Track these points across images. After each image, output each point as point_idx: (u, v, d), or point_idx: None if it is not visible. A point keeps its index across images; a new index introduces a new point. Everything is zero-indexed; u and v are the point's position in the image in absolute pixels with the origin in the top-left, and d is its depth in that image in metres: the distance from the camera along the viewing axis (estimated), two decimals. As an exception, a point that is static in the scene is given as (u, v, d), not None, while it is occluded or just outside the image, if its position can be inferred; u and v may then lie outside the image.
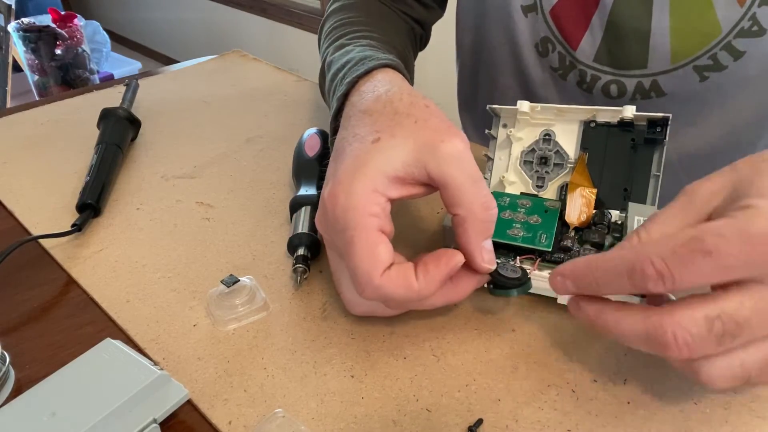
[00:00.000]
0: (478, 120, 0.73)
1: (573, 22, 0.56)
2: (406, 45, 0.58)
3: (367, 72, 0.40)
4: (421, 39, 0.65)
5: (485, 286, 0.36)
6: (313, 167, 0.48)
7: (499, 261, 0.34)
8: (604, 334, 0.31)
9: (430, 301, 0.34)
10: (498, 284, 0.35)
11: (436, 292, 0.33)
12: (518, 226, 0.39)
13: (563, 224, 0.40)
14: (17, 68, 1.59)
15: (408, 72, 0.51)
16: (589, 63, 0.56)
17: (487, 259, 0.33)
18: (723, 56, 0.51)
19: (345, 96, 0.40)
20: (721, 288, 0.27)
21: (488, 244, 0.34)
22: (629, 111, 0.40)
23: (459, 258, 0.33)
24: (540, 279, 0.37)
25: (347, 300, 0.36)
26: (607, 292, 0.29)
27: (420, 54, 0.66)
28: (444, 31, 0.77)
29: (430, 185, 0.33)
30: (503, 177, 0.44)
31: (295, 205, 0.44)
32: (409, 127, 0.33)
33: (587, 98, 0.58)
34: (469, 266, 0.34)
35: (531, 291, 0.37)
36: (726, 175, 0.31)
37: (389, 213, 0.34)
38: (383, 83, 0.38)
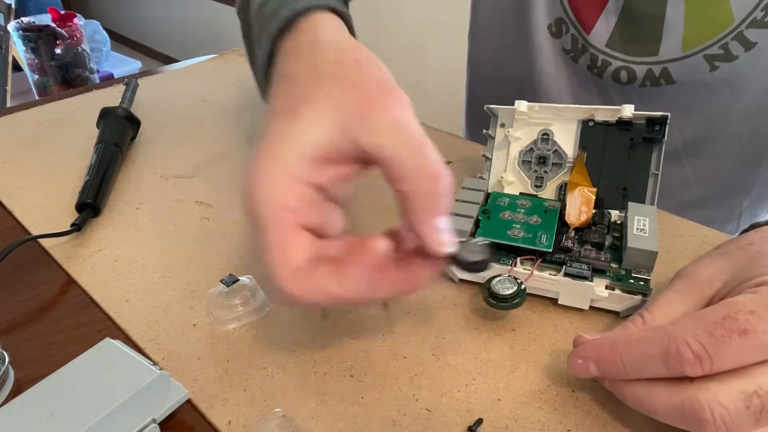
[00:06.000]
0: (489, 102, 0.72)
1: (588, 5, 0.56)
2: None
3: (299, 14, 0.33)
4: None
5: (483, 298, 0.36)
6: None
7: (463, 240, 0.29)
8: (632, 406, 0.29)
9: (378, 295, 0.29)
10: (462, 268, 0.29)
11: (371, 289, 0.28)
12: (518, 226, 0.39)
13: (563, 224, 0.40)
14: (17, 67, 1.59)
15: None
16: (601, 48, 0.56)
17: (438, 240, 0.27)
18: (734, 46, 0.51)
19: (273, 41, 0.34)
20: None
21: (441, 223, 0.27)
22: (628, 110, 0.40)
23: (378, 246, 0.28)
24: (540, 280, 0.37)
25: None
26: (635, 376, 0.28)
27: (427, 43, 0.64)
28: (456, 16, 0.75)
29: (364, 160, 0.28)
30: (502, 177, 0.44)
31: (295, 205, 0.44)
32: (331, 91, 0.28)
33: (597, 83, 0.58)
34: (423, 250, 0.28)
35: (531, 291, 0.37)
36: (720, 259, 0.32)
37: (317, 200, 0.28)
38: (310, 36, 0.32)
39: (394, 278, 0.28)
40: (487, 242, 0.29)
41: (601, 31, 0.56)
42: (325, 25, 0.33)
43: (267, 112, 0.30)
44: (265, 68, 0.34)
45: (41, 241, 0.45)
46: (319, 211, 0.28)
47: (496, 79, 0.70)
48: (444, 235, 0.28)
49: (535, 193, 0.44)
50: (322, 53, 0.30)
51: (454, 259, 0.28)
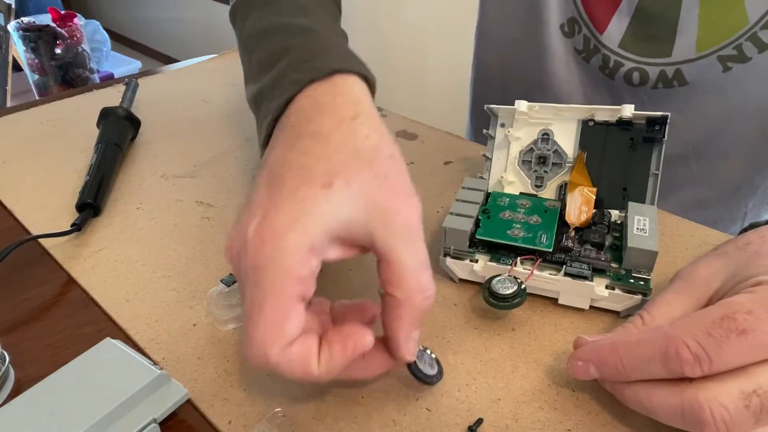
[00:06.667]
0: (494, 101, 0.71)
1: (602, 5, 0.55)
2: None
3: (336, 72, 0.34)
4: None
5: (483, 298, 0.36)
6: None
7: (420, 349, 0.32)
8: (632, 407, 0.29)
9: (340, 377, 0.30)
10: (416, 378, 0.32)
11: (340, 373, 0.29)
12: (518, 226, 0.39)
13: (563, 224, 0.40)
14: (17, 67, 1.60)
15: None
16: (613, 48, 0.56)
17: (411, 351, 0.30)
18: (748, 47, 0.51)
19: (302, 86, 0.33)
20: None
21: (415, 335, 0.30)
22: (628, 110, 0.40)
23: (368, 340, 0.28)
24: (540, 279, 0.37)
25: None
26: (635, 378, 0.29)
27: (429, 43, 0.64)
28: (460, 14, 0.75)
29: (366, 249, 0.29)
30: (502, 177, 0.44)
31: (295, 205, 0.44)
32: (366, 179, 0.29)
33: (608, 84, 0.58)
34: (385, 346, 0.30)
35: (531, 291, 0.37)
36: (718, 260, 0.33)
37: (316, 275, 0.28)
38: (350, 102, 0.32)
39: (360, 365, 0.30)
40: (434, 355, 0.33)
41: (614, 31, 0.56)
42: (365, 96, 0.33)
43: (291, 162, 0.29)
44: (283, 104, 0.34)
45: (41, 241, 0.45)
46: (314, 283, 0.29)
47: (503, 80, 0.69)
48: (415, 345, 0.30)
49: (535, 192, 0.44)
50: (363, 131, 0.30)
51: (410, 367, 0.31)
